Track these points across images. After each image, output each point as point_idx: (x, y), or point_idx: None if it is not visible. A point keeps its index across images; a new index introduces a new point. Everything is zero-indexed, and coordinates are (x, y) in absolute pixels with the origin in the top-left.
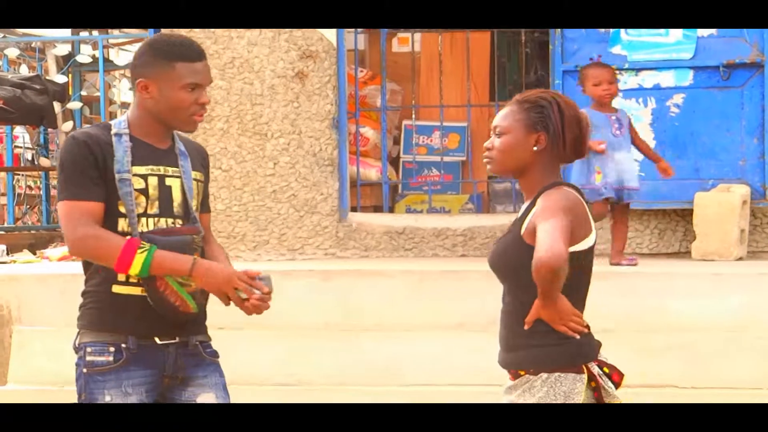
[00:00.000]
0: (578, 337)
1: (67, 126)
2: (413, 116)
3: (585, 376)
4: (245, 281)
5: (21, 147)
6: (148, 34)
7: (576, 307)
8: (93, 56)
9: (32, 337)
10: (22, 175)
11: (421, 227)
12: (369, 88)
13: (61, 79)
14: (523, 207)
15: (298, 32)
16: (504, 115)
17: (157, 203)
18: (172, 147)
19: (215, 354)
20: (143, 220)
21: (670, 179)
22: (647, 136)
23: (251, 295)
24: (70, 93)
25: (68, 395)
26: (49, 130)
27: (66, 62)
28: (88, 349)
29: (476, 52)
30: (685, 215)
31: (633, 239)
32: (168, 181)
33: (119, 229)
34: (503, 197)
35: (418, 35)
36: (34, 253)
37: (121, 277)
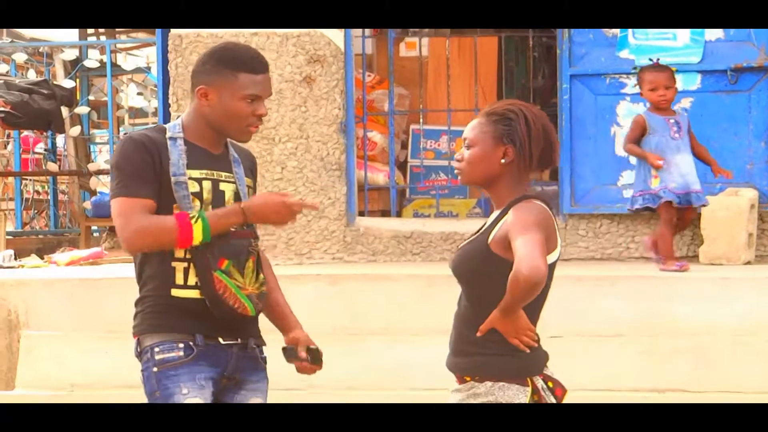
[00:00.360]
0: (528, 351)
1: (75, 130)
2: (421, 120)
3: (529, 389)
4: (296, 202)
5: (41, 152)
6: (155, 39)
7: (530, 320)
8: (101, 61)
9: (40, 342)
10: (30, 179)
11: (429, 231)
12: (377, 92)
13: (68, 83)
14: (492, 216)
15: (305, 37)
16: (472, 127)
17: (210, 207)
18: (226, 153)
19: (266, 360)
20: None
21: None
22: None
23: (301, 365)
24: (78, 98)
25: (76, 400)
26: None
27: (74, 67)
28: (156, 349)
29: (484, 57)
30: (693, 219)
31: (641, 243)
32: (222, 186)
33: None
34: None
35: (425, 39)
36: (42, 258)
37: (179, 281)
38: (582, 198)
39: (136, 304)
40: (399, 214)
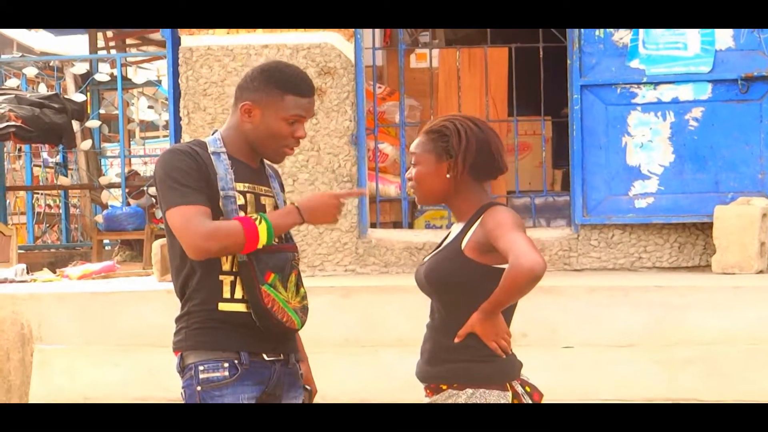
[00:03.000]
0: (504, 356)
1: (86, 144)
2: None
3: (509, 394)
4: (343, 193)
5: (53, 167)
6: (165, 52)
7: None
8: (111, 74)
9: (53, 356)
10: (42, 194)
11: None
12: (387, 104)
13: (79, 97)
14: (457, 227)
15: (316, 49)
16: (417, 146)
17: None
18: (263, 167)
19: (302, 376)
20: None
21: (689, 193)
22: (666, 149)
23: None
24: (89, 111)
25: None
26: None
27: (84, 81)
28: (201, 368)
29: (494, 67)
30: (705, 229)
31: (653, 253)
32: (263, 200)
33: None
34: (522, 212)
35: (435, 51)
36: (54, 272)
37: (227, 294)
38: (594, 208)
39: (179, 318)
40: (411, 226)
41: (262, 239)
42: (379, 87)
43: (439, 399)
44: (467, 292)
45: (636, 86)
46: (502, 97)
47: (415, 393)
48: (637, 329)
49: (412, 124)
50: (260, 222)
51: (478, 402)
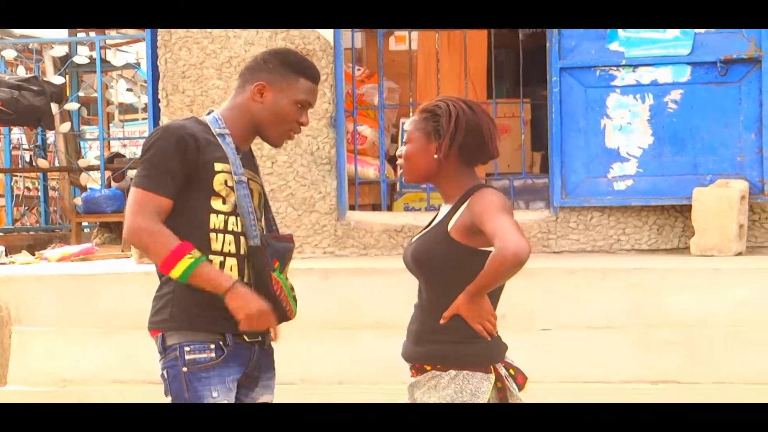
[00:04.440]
0: (489, 338)
1: (65, 127)
2: (411, 114)
3: (492, 376)
4: (277, 329)
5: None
6: (144, 35)
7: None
8: (90, 57)
9: (31, 338)
10: (20, 176)
11: (420, 225)
12: (366, 86)
13: (58, 80)
14: (444, 209)
15: (295, 31)
16: (409, 123)
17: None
18: (250, 152)
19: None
20: (231, 218)
21: (668, 175)
22: (645, 132)
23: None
24: (68, 94)
25: (68, 395)
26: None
27: (63, 63)
28: (187, 348)
29: (473, 50)
30: (684, 211)
31: (632, 235)
32: (251, 185)
33: (211, 225)
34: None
35: (415, 33)
36: (33, 254)
37: None
38: (573, 191)
39: (160, 297)
40: (390, 208)
41: (176, 272)
42: (358, 69)
43: (423, 380)
44: (453, 274)
45: (615, 69)
46: (481, 80)
47: (394, 375)
48: (616, 311)
49: (391, 107)
50: (190, 258)
51: (461, 384)
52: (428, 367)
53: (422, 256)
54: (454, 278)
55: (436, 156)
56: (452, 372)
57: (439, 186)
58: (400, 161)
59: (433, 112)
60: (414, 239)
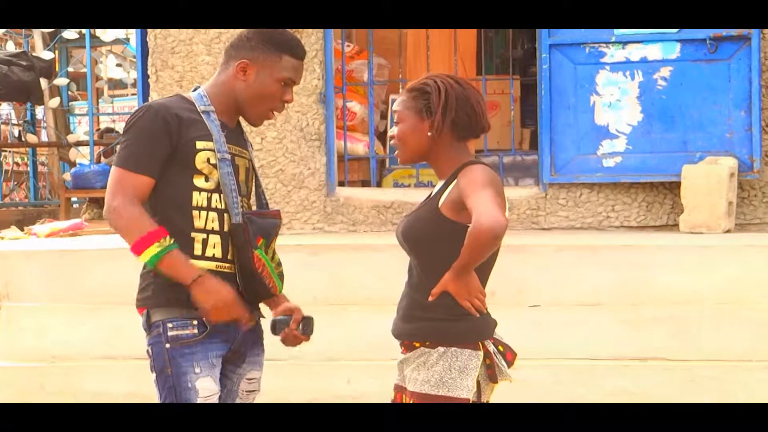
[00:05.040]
0: (478, 315)
1: (54, 102)
2: (400, 90)
3: (481, 353)
4: (240, 313)
5: (19, 124)
6: None
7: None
8: (79, 32)
9: (20, 314)
10: (9, 151)
11: (409, 201)
12: (356, 62)
13: (47, 55)
14: (438, 185)
15: None
16: (398, 103)
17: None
18: (239, 128)
19: (263, 332)
20: (215, 196)
21: (657, 152)
22: (635, 109)
23: (291, 334)
24: (57, 69)
25: (56, 371)
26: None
27: (52, 39)
28: (170, 325)
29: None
30: (673, 188)
31: (621, 212)
32: (237, 161)
33: (194, 203)
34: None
35: None
36: (22, 230)
37: (197, 252)
38: (562, 168)
39: (145, 275)
40: (379, 184)
41: (144, 257)
42: (348, 45)
43: (412, 357)
44: (442, 251)
45: (604, 45)
46: (471, 56)
47: (383, 352)
48: (605, 288)
49: (380, 83)
50: (159, 246)
51: (450, 361)
52: (417, 344)
53: (412, 232)
54: (443, 255)
55: (429, 133)
56: (440, 349)
57: (433, 163)
58: (393, 142)
59: (421, 90)
60: (407, 215)
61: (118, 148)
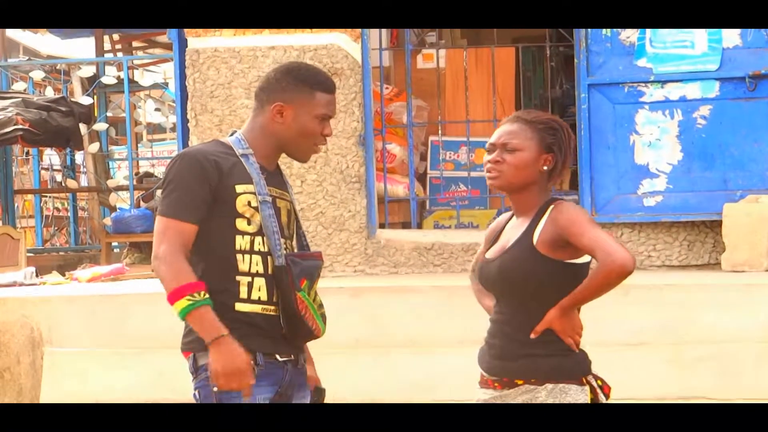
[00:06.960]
0: (578, 351)
1: (94, 147)
2: (439, 132)
3: (587, 388)
4: (246, 383)
5: (60, 169)
6: (172, 55)
7: None
8: (118, 77)
9: (63, 359)
10: (50, 197)
11: (450, 243)
12: (395, 104)
13: (86, 100)
14: (515, 221)
15: (323, 50)
16: (515, 133)
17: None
18: (279, 170)
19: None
20: (257, 239)
21: (698, 191)
22: (674, 148)
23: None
24: (96, 114)
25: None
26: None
27: (91, 84)
28: None
29: (501, 67)
30: (714, 227)
31: (662, 251)
32: (278, 203)
33: (237, 247)
34: None
35: (442, 51)
36: (63, 275)
37: (243, 295)
38: (603, 207)
39: None
40: (420, 226)
41: (175, 308)
42: (387, 88)
43: (513, 394)
44: (541, 288)
45: (643, 85)
46: (509, 97)
47: (426, 393)
48: (648, 328)
49: (419, 125)
50: (189, 299)
51: (559, 397)
52: (520, 382)
53: (512, 272)
54: (541, 292)
55: (545, 167)
56: (549, 386)
57: (522, 198)
58: (498, 166)
59: (549, 125)
60: (488, 256)
61: (159, 197)
